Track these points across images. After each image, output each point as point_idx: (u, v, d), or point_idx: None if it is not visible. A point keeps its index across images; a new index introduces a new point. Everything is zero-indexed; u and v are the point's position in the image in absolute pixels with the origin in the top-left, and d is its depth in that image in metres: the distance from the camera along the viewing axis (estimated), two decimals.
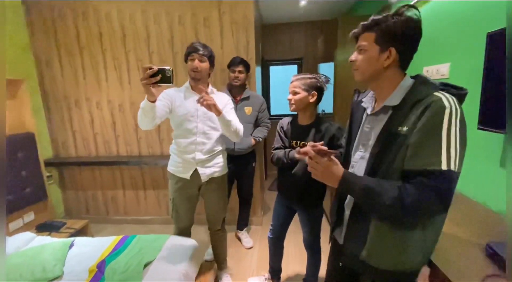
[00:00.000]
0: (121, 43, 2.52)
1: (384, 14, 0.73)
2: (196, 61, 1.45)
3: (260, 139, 2.20)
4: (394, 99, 0.77)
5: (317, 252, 1.62)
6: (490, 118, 1.03)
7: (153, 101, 1.24)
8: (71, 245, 1.65)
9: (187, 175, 1.57)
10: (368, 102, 0.89)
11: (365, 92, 0.95)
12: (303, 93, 1.33)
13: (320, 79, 1.33)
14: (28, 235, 1.75)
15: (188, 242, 1.63)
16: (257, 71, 2.54)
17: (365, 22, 0.76)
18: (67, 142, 2.78)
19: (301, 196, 1.44)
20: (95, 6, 2.47)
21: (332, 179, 0.78)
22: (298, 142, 1.40)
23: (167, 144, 2.66)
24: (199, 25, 2.43)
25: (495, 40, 1.00)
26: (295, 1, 2.97)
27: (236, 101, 2.12)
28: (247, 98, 2.16)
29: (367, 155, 0.81)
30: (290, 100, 1.37)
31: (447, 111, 0.64)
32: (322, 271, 1.60)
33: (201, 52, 1.44)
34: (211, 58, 1.50)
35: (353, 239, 0.87)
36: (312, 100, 1.33)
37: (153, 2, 2.42)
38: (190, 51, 1.46)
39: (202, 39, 2.43)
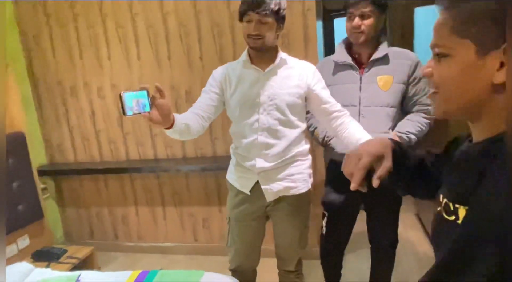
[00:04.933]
0: (127, 4, 2.25)
1: None
2: (254, 23, 1.19)
3: (413, 137, 1.42)
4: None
5: None
6: None
7: (170, 127, 1.09)
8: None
9: (246, 189, 1.36)
10: None
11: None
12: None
13: None
14: (26, 266, 1.68)
15: None
16: (318, 26, 2.12)
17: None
18: (63, 143, 2.65)
19: None
20: None
21: None
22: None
23: (190, 143, 2.40)
24: None
25: None
26: None
27: (361, 68, 1.46)
28: (384, 59, 1.42)
29: None
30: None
31: None
32: None
33: (261, 9, 1.15)
34: (278, 14, 1.20)
35: None
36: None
37: None
38: (245, 9, 1.21)
39: None
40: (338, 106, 1.33)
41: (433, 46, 0.52)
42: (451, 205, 0.51)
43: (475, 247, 0.41)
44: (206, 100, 1.31)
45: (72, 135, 2.60)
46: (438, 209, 0.56)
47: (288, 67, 1.32)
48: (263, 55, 1.29)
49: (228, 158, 1.53)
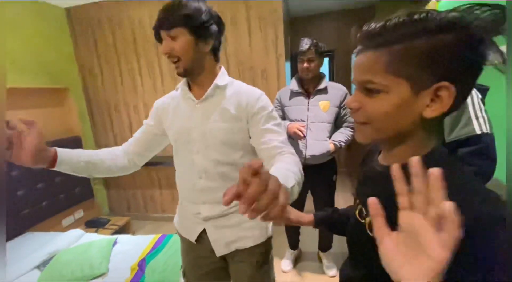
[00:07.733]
0: (154, 49, 2.59)
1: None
2: (166, 40, 0.79)
3: (342, 144, 1.66)
4: None
5: None
6: None
7: (50, 167, 0.73)
8: (115, 243, 1.75)
9: (192, 237, 0.93)
10: None
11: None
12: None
13: None
14: (78, 232, 1.88)
15: None
16: (286, 66, 2.47)
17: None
18: (109, 144, 2.95)
19: None
20: (129, 14, 2.57)
21: None
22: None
23: None
24: (226, 24, 2.43)
25: None
26: None
27: (308, 95, 1.69)
28: (324, 90, 1.66)
29: None
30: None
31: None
32: None
33: (167, 22, 0.77)
34: (191, 22, 0.76)
35: None
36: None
37: None
38: (155, 26, 0.81)
39: (230, 38, 2.40)
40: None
41: (364, 82, 0.44)
42: (364, 210, 0.52)
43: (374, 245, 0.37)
44: (142, 136, 0.97)
45: (115, 139, 2.86)
46: (355, 211, 0.55)
47: (226, 90, 0.87)
48: (197, 80, 0.86)
49: None
